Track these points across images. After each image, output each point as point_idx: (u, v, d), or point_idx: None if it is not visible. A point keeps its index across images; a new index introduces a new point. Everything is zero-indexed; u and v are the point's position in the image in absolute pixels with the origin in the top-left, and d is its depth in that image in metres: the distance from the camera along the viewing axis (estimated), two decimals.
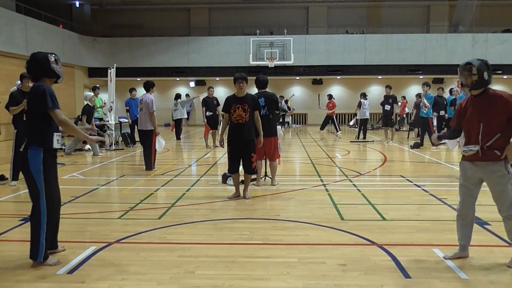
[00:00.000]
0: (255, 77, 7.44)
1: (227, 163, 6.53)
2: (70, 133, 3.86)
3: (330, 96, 19.79)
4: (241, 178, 6.58)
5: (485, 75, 3.67)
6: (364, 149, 13.46)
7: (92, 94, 12.35)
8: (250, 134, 6.30)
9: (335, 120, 19.39)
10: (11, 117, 7.57)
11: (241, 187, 6.56)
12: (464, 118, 3.76)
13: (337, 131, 18.84)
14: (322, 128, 20.21)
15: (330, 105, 19.40)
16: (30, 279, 3.56)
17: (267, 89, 7.36)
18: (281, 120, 20.40)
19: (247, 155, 6.32)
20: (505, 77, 24.56)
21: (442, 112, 14.01)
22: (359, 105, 16.71)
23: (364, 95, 17.07)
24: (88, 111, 11.72)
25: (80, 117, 11.88)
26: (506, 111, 3.56)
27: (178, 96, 16.52)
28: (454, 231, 4.82)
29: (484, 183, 3.82)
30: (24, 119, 7.36)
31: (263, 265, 3.84)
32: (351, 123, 21.12)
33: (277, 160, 7.49)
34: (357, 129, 17.14)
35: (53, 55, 3.91)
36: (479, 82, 3.67)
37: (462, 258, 3.93)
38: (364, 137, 16.23)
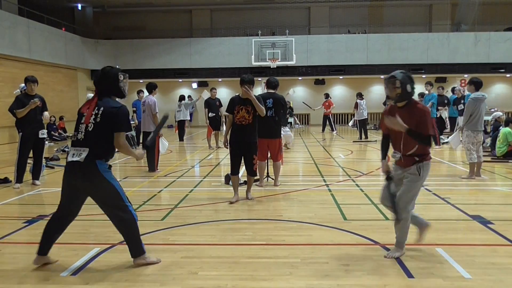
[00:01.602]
0: (256, 78, 7.42)
1: (230, 164, 6.50)
2: (126, 154, 3.87)
3: (326, 95, 19.78)
4: (244, 179, 6.60)
5: (408, 87, 3.87)
6: (366, 149, 13.44)
7: (92, 95, 12.39)
8: (252, 136, 6.28)
9: (331, 119, 19.39)
10: (14, 120, 7.60)
11: (244, 187, 6.57)
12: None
13: (332, 130, 18.82)
14: (323, 129, 20.22)
15: (327, 104, 19.39)
16: (34, 281, 3.58)
17: (276, 91, 7.37)
18: (289, 122, 20.32)
19: (249, 157, 6.31)
20: (508, 75, 24.49)
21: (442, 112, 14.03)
22: (356, 106, 16.81)
23: (360, 96, 17.15)
24: None
25: None
26: (417, 121, 3.81)
27: (182, 97, 16.54)
28: (458, 230, 4.83)
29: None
30: (28, 120, 7.48)
31: (266, 265, 3.85)
32: (350, 124, 21.13)
33: (280, 160, 7.50)
34: (357, 130, 17.13)
35: (123, 74, 3.83)
36: (403, 95, 3.88)
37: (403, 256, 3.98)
38: (366, 137, 16.27)
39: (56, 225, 3.85)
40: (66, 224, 3.89)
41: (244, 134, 6.22)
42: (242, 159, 6.36)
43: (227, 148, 6.49)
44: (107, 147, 3.64)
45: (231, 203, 6.21)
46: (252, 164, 6.33)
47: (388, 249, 4.17)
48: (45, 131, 7.86)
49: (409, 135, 3.81)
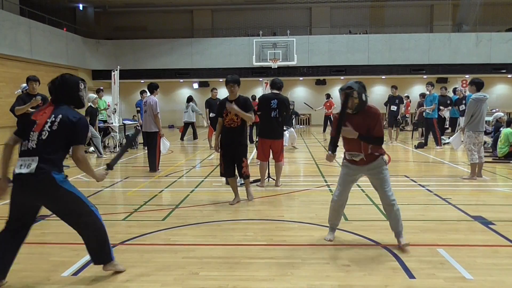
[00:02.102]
0: (257, 79, 7.42)
1: (219, 167, 6.35)
2: (84, 171, 3.50)
3: (327, 96, 19.85)
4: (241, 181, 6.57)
5: (363, 96, 4.17)
6: None
7: (95, 96, 12.39)
8: (242, 139, 6.19)
9: (331, 119, 19.40)
10: (16, 120, 7.61)
11: (241, 188, 6.54)
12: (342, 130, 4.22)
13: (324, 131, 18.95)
14: (324, 130, 20.22)
15: (328, 104, 19.43)
16: (35, 281, 3.58)
17: (281, 92, 7.37)
18: (294, 122, 20.55)
19: (238, 160, 6.20)
20: (509, 76, 24.46)
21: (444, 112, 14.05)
22: None
23: None
24: (91, 112, 11.76)
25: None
26: (372, 124, 4.18)
27: (190, 99, 16.52)
28: (459, 231, 4.82)
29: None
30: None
31: (267, 266, 3.85)
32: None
33: (282, 161, 7.50)
34: None
35: (83, 83, 3.57)
36: (360, 104, 4.17)
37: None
38: None
39: (7, 244, 3.37)
40: (21, 241, 3.44)
41: (233, 136, 6.11)
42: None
43: (218, 151, 6.35)
44: (61, 157, 3.33)
45: (231, 204, 6.18)
46: (242, 167, 6.20)
47: (389, 250, 4.17)
48: None
49: (361, 140, 4.18)
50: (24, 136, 3.33)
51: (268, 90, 10.17)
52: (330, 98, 19.69)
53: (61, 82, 3.46)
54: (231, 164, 6.24)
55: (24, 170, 3.19)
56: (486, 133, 9.00)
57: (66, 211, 3.38)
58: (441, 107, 13.54)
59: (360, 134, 4.17)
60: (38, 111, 3.41)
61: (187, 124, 16.34)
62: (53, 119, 3.29)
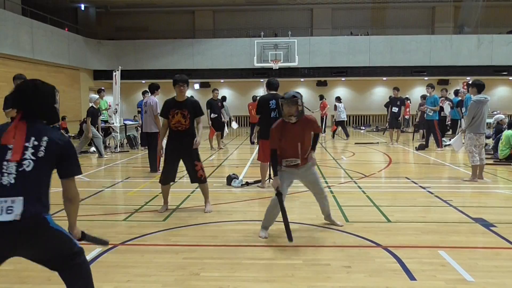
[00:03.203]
0: (258, 80, 7.42)
1: (161, 172, 5.96)
2: (70, 213, 2.78)
3: (321, 97, 19.94)
4: (246, 180, 6.54)
5: (303, 104, 4.60)
6: (369, 150, 13.42)
7: (97, 96, 12.41)
8: (191, 141, 5.69)
9: (325, 120, 19.51)
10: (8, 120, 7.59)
11: (249, 189, 6.54)
12: (282, 139, 4.58)
13: (323, 132, 19.01)
14: (324, 131, 20.24)
15: (322, 105, 19.52)
16: (36, 281, 3.58)
17: (278, 92, 7.36)
18: None
19: (190, 164, 5.75)
20: (510, 78, 24.46)
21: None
22: (335, 108, 18.06)
23: (339, 99, 18.29)
24: (93, 113, 11.78)
25: (85, 119, 11.92)
26: (312, 129, 4.70)
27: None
28: (460, 233, 4.81)
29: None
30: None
31: (268, 267, 3.84)
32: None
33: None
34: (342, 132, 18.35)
35: (57, 92, 2.82)
36: (302, 111, 4.56)
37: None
38: (347, 137, 17.43)
39: None
40: None
41: (181, 140, 5.68)
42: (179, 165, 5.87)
43: (161, 156, 5.95)
44: (48, 192, 2.52)
45: (160, 212, 5.79)
46: (196, 171, 5.74)
47: (390, 251, 4.16)
48: None
49: (313, 147, 4.78)
50: None
51: None
52: (324, 99, 19.81)
53: (34, 90, 2.59)
54: (174, 170, 5.82)
55: (4, 218, 2.26)
56: (486, 137, 9.00)
57: (58, 255, 2.58)
58: (440, 104, 13.59)
59: (313, 149, 4.80)
60: (5, 132, 2.44)
61: None
62: (35, 142, 2.42)
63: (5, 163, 2.36)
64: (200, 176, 5.79)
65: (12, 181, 2.34)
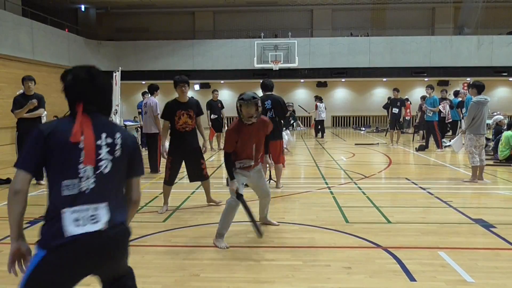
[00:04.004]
0: (259, 80, 7.42)
1: (165, 174, 5.98)
2: (131, 216, 2.40)
3: (316, 98, 20.05)
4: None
5: (261, 106, 4.66)
6: (369, 151, 13.42)
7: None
8: (196, 140, 5.90)
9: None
10: (16, 121, 7.63)
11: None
12: (238, 141, 4.55)
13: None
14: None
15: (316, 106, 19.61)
16: None
17: (273, 93, 7.36)
18: (291, 124, 21.24)
19: (196, 162, 5.91)
20: (510, 79, 24.47)
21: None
22: (316, 107, 18.86)
23: (320, 99, 19.08)
24: None
25: None
26: (266, 130, 4.74)
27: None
28: (460, 234, 4.81)
29: None
30: (24, 119, 7.47)
31: (267, 268, 3.84)
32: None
33: (282, 163, 7.48)
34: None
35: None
36: (260, 112, 4.60)
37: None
38: (322, 136, 18.33)
39: None
40: None
41: (187, 140, 5.80)
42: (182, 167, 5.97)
43: (165, 158, 5.97)
44: (124, 198, 2.25)
45: (160, 213, 5.83)
46: (202, 169, 5.93)
47: (390, 252, 4.16)
48: None
49: (266, 147, 4.93)
50: (63, 172, 1.98)
51: None
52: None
53: (96, 78, 2.17)
54: (177, 172, 5.95)
55: (89, 228, 1.95)
56: (486, 139, 9.02)
57: (122, 271, 2.23)
58: (441, 103, 13.60)
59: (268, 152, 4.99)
60: (72, 128, 2.01)
61: None
62: (108, 140, 2.08)
63: (80, 166, 1.99)
64: (205, 174, 6.02)
65: (92, 186, 2.00)
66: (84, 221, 1.96)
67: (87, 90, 2.13)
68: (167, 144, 6.04)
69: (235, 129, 4.53)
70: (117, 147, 2.10)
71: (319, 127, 18.80)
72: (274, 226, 5.12)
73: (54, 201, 1.98)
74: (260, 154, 4.79)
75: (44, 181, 7.83)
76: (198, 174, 5.98)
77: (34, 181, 7.81)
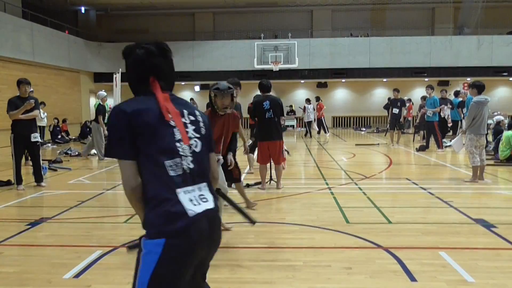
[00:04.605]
0: (245, 82, 7.43)
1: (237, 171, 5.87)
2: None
3: (317, 98, 20.08)
4: (246, 182, 6.53)
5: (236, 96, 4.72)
6: (369, 152, 13.42)
7: (105, 94, 12.35)
8: (235, 142, 6.06)
9: (324, 121, 19.61)
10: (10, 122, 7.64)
11: (252, 190, 6.54)
12: None
13: (325, 132, 19.20)
14: (318, 132, 20.23)
15: (318, 107, 19.60)
16: (36, 284, 3.58)
17: (271, 93, 7.37)
18: (290, 125, 21.83)
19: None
20: (510, 78, 24.46)
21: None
22: (304, 109, 19.54)
23: (308, 101, 19.59)
24: (103, 110, 11.77)
25: (97, 118, 11.82)
26: (235, 126, 4.79)
27: (191, 101, 16.55)
28: (461, 234, 4.81)
29: None
30: (19, 121, 7.47)
31: (268, 268, 3.84)
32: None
33: (282, 163, 7.49)
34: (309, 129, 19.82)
35: None
36: (235, 103, 4.67)
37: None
38: (310, 136, 19.07)
39: None
40: None
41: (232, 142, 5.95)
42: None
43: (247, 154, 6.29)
44: None
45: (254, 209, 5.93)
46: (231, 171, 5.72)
47: (391, 252, 4.16)
48: (37, 134, 7.76)
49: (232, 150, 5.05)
50: (163, 152, 1.84)
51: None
52: (320, 101, 19.93)
53: (169, 54, 2.07)
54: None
55: (206, 206, 1.88)
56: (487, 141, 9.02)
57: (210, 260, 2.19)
58: (440, 107, 13.58)
59: (221, 135, 4.72)
60: (153, 106, 1.89)
61: None
62: (191, 117, 1.99)
63: (178, 144, 1.87)
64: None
65: (191, 166, 1.89)
66: (197, 200, 1.85)
67: (161, 65, 2.00)
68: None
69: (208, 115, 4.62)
70: (201, 124, 2.01)
71: (307, 128, 19.59)
72: (228, 230, 4.85)
73: (160, 183, 1.81)
74: (221, 147, 4.72)
75: (44, 183, 7.84)
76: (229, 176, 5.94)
77: (34, 184, 7.81)
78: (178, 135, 1.87)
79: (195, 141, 1.94)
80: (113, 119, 1.87)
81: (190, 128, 1.94)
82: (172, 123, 1.87)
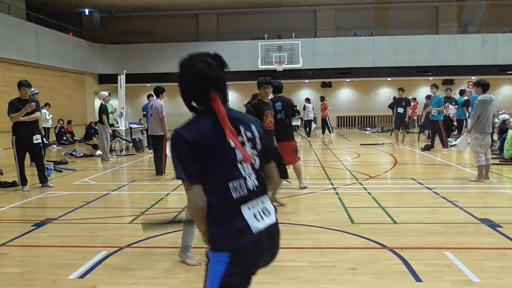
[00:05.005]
0: (249, 83, 7.37)
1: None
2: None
3: (322, 98, 20.06)
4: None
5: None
6: (374, 151, 13.39)
7: (107, 93, 12.40)
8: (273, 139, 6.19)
9: (328, 121, 19.58)
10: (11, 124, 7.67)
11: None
12: None
13: (330, 132, 19.17)
14: (323, 132, 20.22)
15: (323, 106, 19.60)
16: (42, 284, 3.59)
17: (283, 94, 7.35)
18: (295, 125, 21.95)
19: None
20: None
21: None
22: (304, 108, 19.71)
23: (308, 100, 19.85)
24: (105, 110, 11.81)
25: (101, 118, 11.82)
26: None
27: None
28: (466, 234, 4.79)
29: None
30: (20, 123, 7.51)
31: (273, 269, 3.83)
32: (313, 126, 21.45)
33: (298, 162, 7.37)
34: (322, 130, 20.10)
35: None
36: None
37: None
38: (309, 135, 18.81)
39: None
40: None
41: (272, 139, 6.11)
42: None
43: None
44: None
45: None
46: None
47: (396, 253, 4.15)
48: (39, 136, 7.78)
49: None
50: (227, 174, 1.89)
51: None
52: (325, 101, 19.93)
53: (225, 66, 2.05)
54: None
55: (268, 221, 1.94)
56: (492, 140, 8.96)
57: None
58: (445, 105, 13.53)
59: None
60: (213, 125, 1.90)
61: None
62: (248, 133, 1.98)
63: (239, 165, 1.91)
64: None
65: (256, 183, 1.94)
66: (260, 215, 1.92)
67: (222, 77, 1.99)
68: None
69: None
70: (257, 140, 2.00)
71: (307, 127, 19.53)
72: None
73: (224, 202, 1.88)
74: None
75: (52, 184, 7.88)
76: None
77: (39, 185, 7.85)
78: (239, 156, 1.90)
79: (254, 159, 1.97)
80: (176, 147, 1.89)
81: (248, 146, 1.96)
82: (232, 144, 1.89)
